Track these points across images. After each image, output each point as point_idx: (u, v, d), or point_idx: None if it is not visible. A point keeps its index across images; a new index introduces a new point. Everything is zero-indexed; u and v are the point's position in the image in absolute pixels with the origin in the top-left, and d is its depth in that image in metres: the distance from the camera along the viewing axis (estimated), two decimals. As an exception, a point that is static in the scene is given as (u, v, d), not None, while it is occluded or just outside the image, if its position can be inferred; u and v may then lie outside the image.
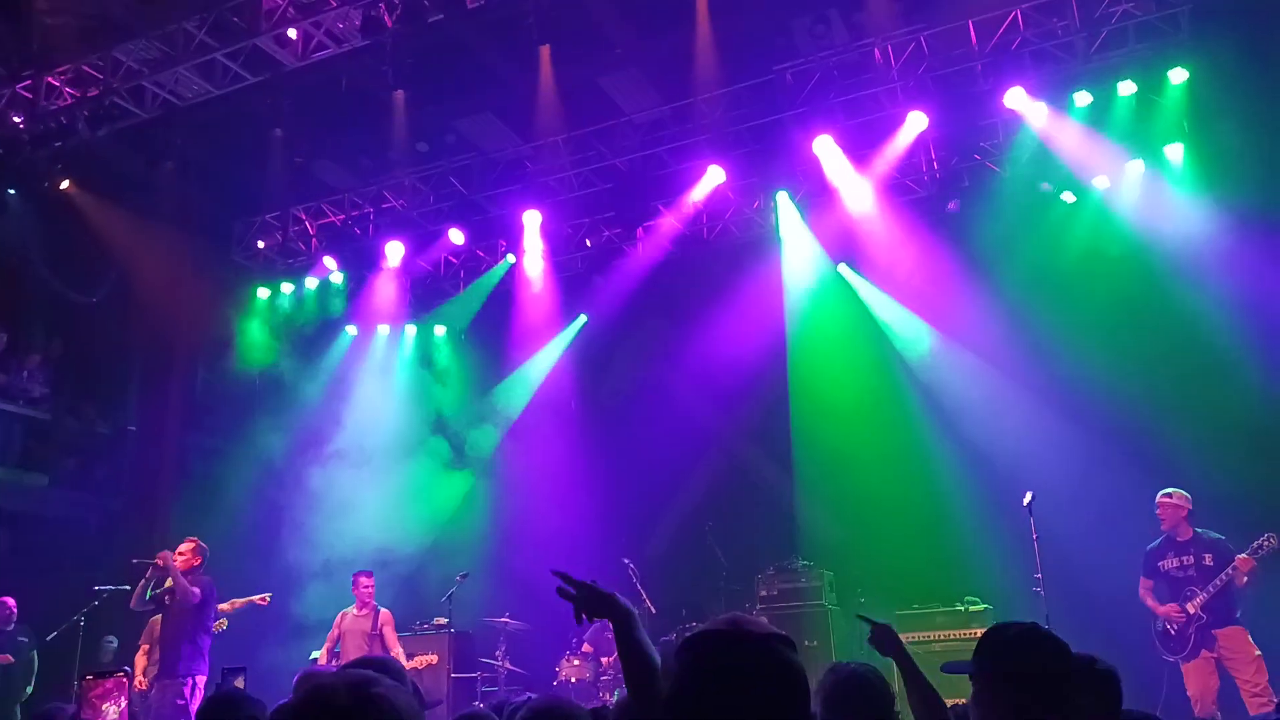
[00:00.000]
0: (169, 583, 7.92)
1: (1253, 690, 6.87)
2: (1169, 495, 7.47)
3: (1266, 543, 7.04)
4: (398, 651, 8.80)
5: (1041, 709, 2.26)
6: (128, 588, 8.78)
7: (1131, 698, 3.19)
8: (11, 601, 9.63)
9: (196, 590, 7.80)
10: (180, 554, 7.99)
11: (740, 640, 1.59)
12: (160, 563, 7.86)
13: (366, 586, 9.07)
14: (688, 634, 1.69)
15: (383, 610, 9.03)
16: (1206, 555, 7.27)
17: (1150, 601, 7.46)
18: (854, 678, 3.18)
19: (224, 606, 8.31)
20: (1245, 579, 7.11)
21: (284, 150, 11.34)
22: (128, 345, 12.83)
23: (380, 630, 8.87)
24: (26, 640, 9.62)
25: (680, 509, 10.51)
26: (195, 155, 11.52)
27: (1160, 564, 7.45)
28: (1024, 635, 2.40)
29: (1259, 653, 7.00)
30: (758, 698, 1.52)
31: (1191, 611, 7.22)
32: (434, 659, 9.24)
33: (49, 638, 9.22)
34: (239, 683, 5.07)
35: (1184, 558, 7.35)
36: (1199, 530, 7.38)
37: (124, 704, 3.05)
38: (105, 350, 12.81)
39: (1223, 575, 7.13)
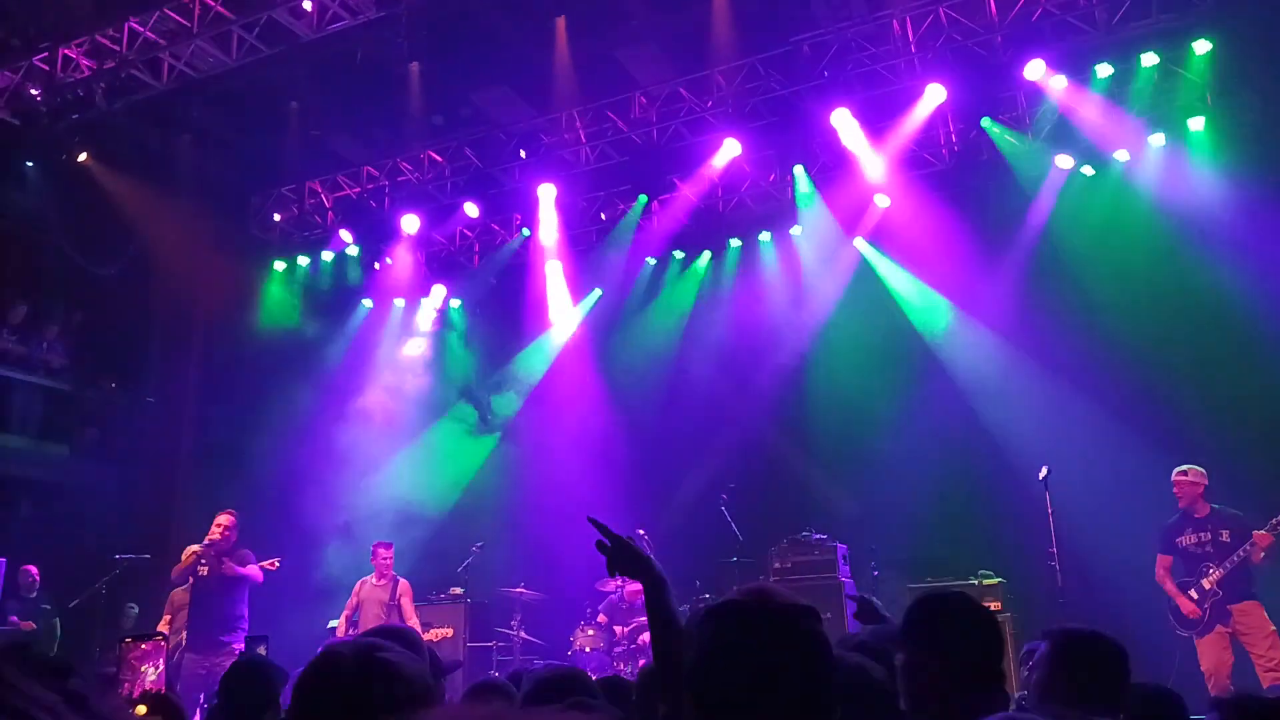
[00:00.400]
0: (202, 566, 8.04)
1: (1267, 665, 6.88)
2: (1184, 472, 7.46)
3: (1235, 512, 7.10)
4: (414, 622, 8.89)
5: (969, 679, 2.28)
6: (148, 556, 8.91)
7: (1144, 671, 3.20)
8: (34, 569, 9.77)
9: (257, 570, 8.03)
10: (220, 526, 8.10)
11: (765, 611, 1.57)
12: (213, 553, 8.00)
13: (385, 558, 9.16)
14: (712, 603, 1.68)
15: (401, 580, 9.12)
16: (1224, 531, 7.27)
17: (1170, 585, 7.46)
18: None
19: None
20: (1262, 554, 7.11)
21: (300, 123, 11.35)
22: (146, 317, 12.93)
23: (398, 600, 8.97)
24: (49, 608, 9.77)
25: (695, 481, 10.54)
26: (212, 128, 11.55)
27: (1178, 540, 7.45)
28: (950, 603, 2.46)
29: (1274, 628, 7.01)
30: (781, 669, 1.51)
31: (1207, 587, 7.22)
32: (449, 632, 9.33)
33: (71, 605, 9.36)
34: (261, 650, 5.13)
35: (1201, 534, 7.35)
36: (1216, 506, 7.38)
37: (162, 666, 3.10)
38: (124, 322, 12.90)
39: (1240, 551, 7.13)
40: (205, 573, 8.07)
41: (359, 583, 9.20)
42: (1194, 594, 7.33)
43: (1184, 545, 7.43)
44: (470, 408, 12.33)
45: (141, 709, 2.70)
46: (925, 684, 2.33)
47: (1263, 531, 7.09)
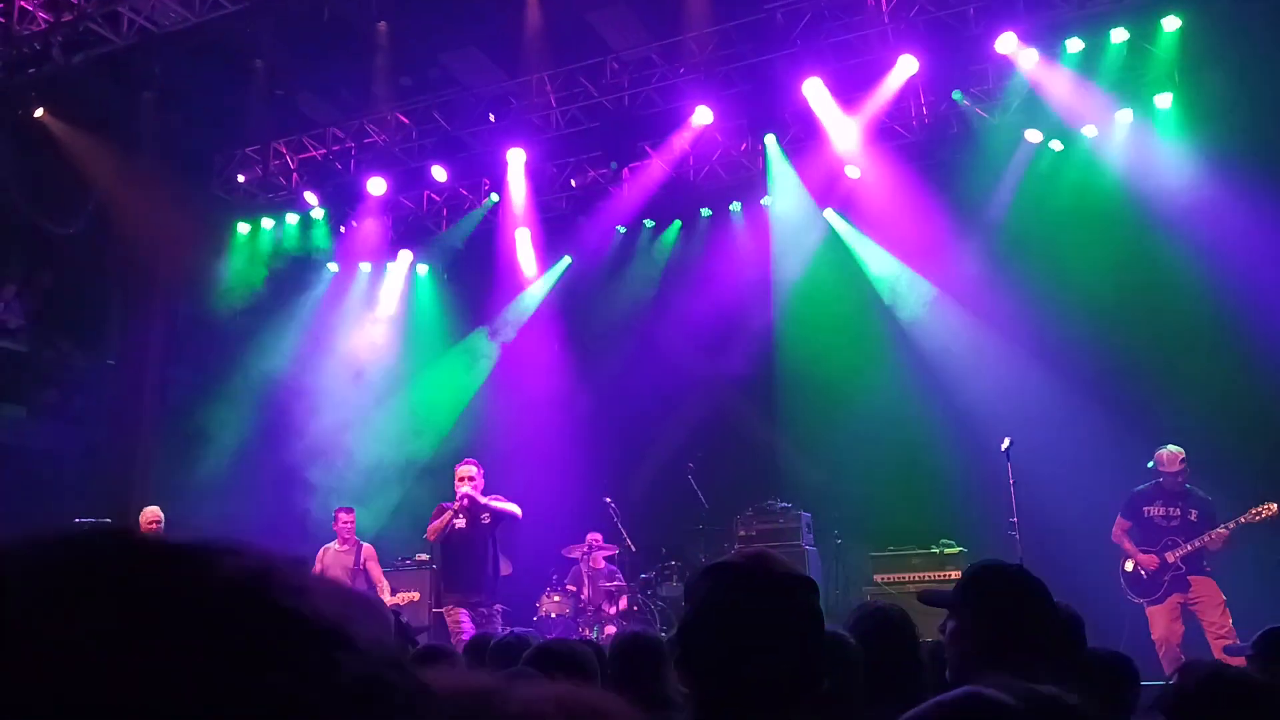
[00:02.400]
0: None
1: (1218, 633, 7.07)
2: (1176, 452, 7.56)
3: (1265, 510, 7.19)
4: (383, 585, 8.87)
5: (1013, 644, 2.31)
6: (109, 520, 8.79)
7: (1099, 639, 3.27)
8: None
9: (516, 507, 7.88)
10: (469, 479, 7.93)
11: (765, 576, 1.57)
12: (466, 503, 7.83)
13: (346, 523, 9.06)
14: (711, 561, 1.68)
15: (365, 545, 9.07)
16: (1194, 511, 7.44)
17: (1128, 544, 7.61)
18: (877, 613, 3.23)
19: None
20: (1221, 545, 7.31)
21: (265, 82, 11.12)
22: (107, 277, 12.69)
23: (364, 565, 8.92)
24: None
25: (662, 450, 10.58)
26: (174, 85, 11.28)
27: (1146, 509, 7.57)
28: (1007, 573, 2.46)
29: (1225, 599, 7.20)
30: (773, 636, 1.52)
31: (1170, 560, 7.39)
32: (415, 596, 9.32)
33: (30, 569, 9.23)
34: None
35: (1172, 509, 7.48)
36: (1190, 486, 7.53)
37: None
38: (84, 282, 12.66)
39: (1208, 536, 7.30)
40: (463, 524, 7.92)
41: (321, 550, 9.11)
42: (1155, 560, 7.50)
43: (1151, 515, 7.55)
44: (431, 376, 12.29)
45: None
46: (971, 651, 2.35)
47: (1221, 529, 7.29)
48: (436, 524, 7.97)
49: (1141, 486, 7.68)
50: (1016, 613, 2.32)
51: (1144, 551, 7.53)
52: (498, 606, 7.91)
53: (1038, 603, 2.38)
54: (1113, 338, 9.16)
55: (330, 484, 10.84)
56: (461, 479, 7.93)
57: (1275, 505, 7.17)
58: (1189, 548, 7.36)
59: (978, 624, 2.34)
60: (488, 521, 7.90)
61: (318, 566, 9.02)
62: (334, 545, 9.07)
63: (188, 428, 11.18)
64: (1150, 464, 7.65)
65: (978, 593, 2.42)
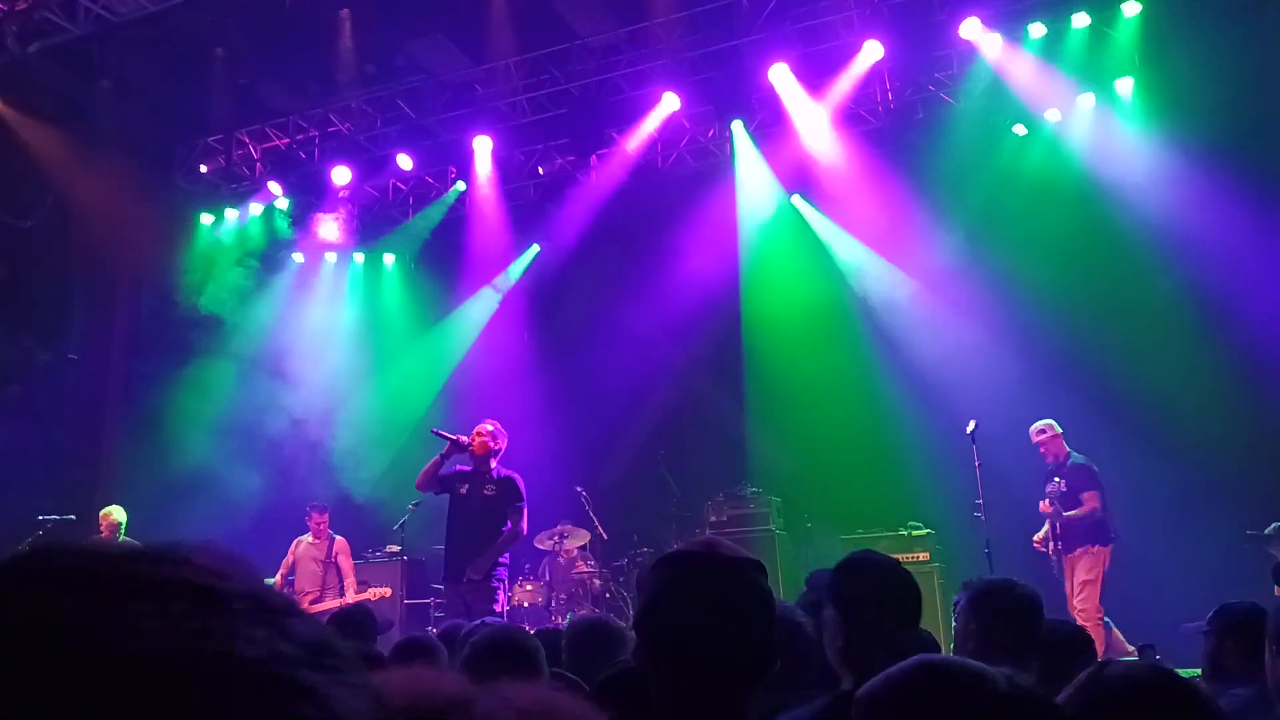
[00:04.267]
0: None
1: (1077, 607, 7.37)
2: (1042, 430, 7.92)
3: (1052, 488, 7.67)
4: (351, 580, 8.83)
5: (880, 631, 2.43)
6: (73, 517, 8.69)
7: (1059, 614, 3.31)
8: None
9: (518, 479, 7.24)
10: (480, 434, 7.28)
11: (714, 560, 1.63)
12: (463, 441, 7.20)
13: (319, 523, 9.02)
14: (664, 551, 1.73)
15: (338, 539, 9.01)
16: (1064, 481, 7.72)
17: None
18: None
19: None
20: (1067, 515, 7.64)
21: (227, 71, 10.98)
22: (67, 271, 12.48)
23: (335, 559, 8.88)
24: None
25: (633, 437, 10.60)
26: (134, 75, 11.11)
27: (1047, 487, 7.84)
28: (867, 563, 2.70)
29: (1092, 578, 7.47)
30: (725, 616, 1.57)
31: (1037, 539, 7.89)
32: (387, 592, 9.25)
33: (-7, 567, 9.10)
34: None
35: (1058, 481, 7.76)
36: (1072, 453, 7.87)
37: None
38: (43, 275, 12.45)
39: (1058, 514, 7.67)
40: (465, 491, 7.27)
41: (295, 541, 9.08)
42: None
43: (1048, 491, 7.81)
44: (395, 369, 12.20)
45: None
46: (843, 640, 2.46)
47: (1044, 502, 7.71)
48: (428, 465, 7.43)
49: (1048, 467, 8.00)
50: (881, 600, 2.47)
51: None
52: (496, 584, 7.21)
53: (899, 587, 2.55)
54: (1075, 321, 9.27)
55: (298, 475, 10.76)
56: (479, 434, 7.34)
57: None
58: (1055, 522, 7.71)
59: (846, 615, 2.49)
60: (491, 494, 7.26)
61: (289, 558, 8.98)
62: (307, 538, 9.03)
63: (152, 422, 11.05)
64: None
65: (843, 583, 2.59)
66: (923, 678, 1.13)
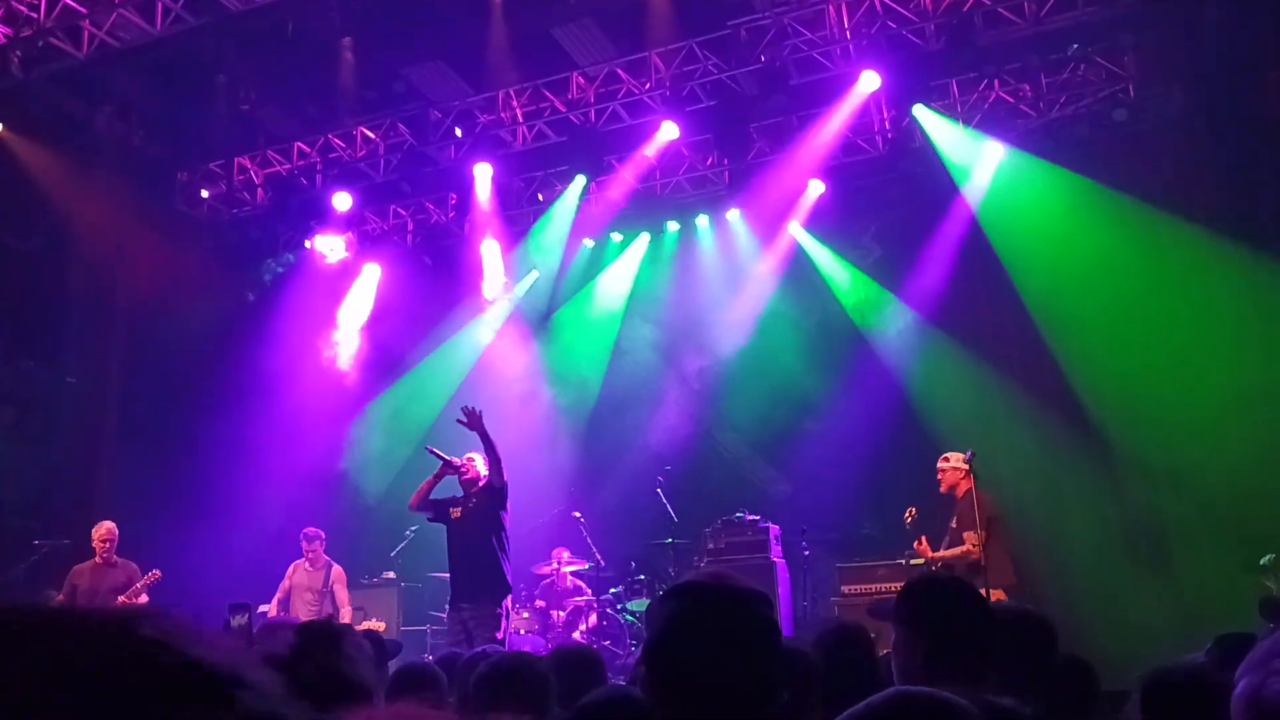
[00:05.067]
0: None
1: None
2: (946, 458, 7.56)
3: (906, 517, 7.41)
4: (346, 610, 8.73)
5: (954, 650, 2.35)
6: (68, 541, 8.66)
7: (1067, 646, 3.31)
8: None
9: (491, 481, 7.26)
10: (471, 460, 7.48)
11: (721, 592, 1.65)
12: (456, 464, 7.34)
13: (312, 550, 8.95)
14: (672, 584, 1.74)
15: (335, 567, 8.96)
16: (955, 518, 7.41)
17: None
18: (839, 629, 3.28)
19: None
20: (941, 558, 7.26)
21: (228, 97, 11.05)
22: (66, 294, 12.50)
23: (330, 587, 8.81)
24: None
25: (631, 463, 10.59)
26: (136, 100, 11.19)
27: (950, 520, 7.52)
28: (940, 583, 2.56)
29: None
30: (732, 647, 1.58)
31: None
32: (381, 626, 9.13)
33: (-12, 590, 9.08)
34: (240, 621, 4.89)
35: (951, 518, 7.45)
36: (976, 490, 7.21)
37: None
38: (42, 299, 12.47)
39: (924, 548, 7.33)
40: (458, 515, 7.38)
41: (292, 566, 9.04)
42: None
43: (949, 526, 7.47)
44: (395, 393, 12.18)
45: None
46: (910, 663, 2.39)
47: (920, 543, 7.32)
48: (421, 486, 7.56)
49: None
50: (953, 623, 2.37)
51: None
52: (500, 610, 7.28)
53: (975, 612, 2.42)
54: (1072, 349, 9.29)
55: (297, 499, 10.73)
56: (470, 458, 7.51)
57: (913, 509, 7.41)
58: (936, 562, 7.29)
59: (917, 635, 2.39)
60: (475, 504, 7.39)
61: (286, 582, 8.92)
62: (304, 564, 8.99)
63: (150, 446, 11.03)
64: None
65: (915, 604, 2.48)
66: (897, 707, 1.15)
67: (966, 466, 7.23)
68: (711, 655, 1.56)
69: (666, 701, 1.58)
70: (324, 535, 9.11)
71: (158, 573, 8.24)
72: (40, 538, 8.86)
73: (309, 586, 8.81)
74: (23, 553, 8.93)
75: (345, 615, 8.70)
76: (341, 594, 8.86)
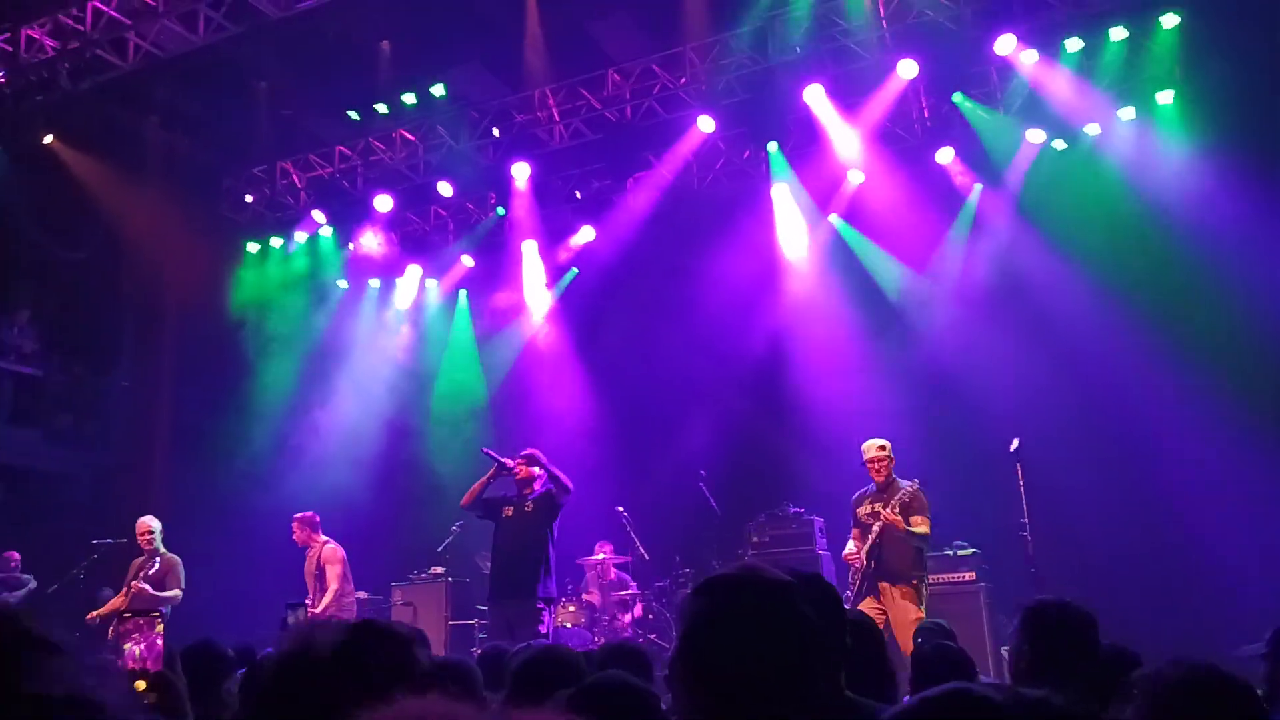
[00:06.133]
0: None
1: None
2: (883, 447, 7.24)
3: (908, 487, 6.95)
4: (333, 588, 8.34)
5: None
6: (124, 541, 8.86)
7: (1115, 636, 3.28)
8: (15, 555, 9.76)
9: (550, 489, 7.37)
10: (522, 463, 7.54)
11: (752, 585, 1.63)
12: (509, 465, 7.46)
13: (296, 533, 8.65)
14: (703, 578, 1.73)
15: (327, 546, 8.56)
16: (895, 502, 7.02)
17: (847, 549, 7.27)
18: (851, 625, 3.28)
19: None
20: (885, 531, 6.93)
21: (270, 102, 11.22)
22: (117, 301, 12.80)
23: (321, 567, 8.48)
24: (28, 575, 9.79)
25: (673, 457, 10.59)
26: (180, 108, 11.41)
27: (858, 510, 7.25)
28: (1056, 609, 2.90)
29: (919, 617, 6.56)
30: (766, 640, 1.56)
31: (862, 561, 7.03)
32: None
33: (50, 590, 9.33)
34: (296, 616, 4.98)
35: (876, 504, 7.12)
36: (897, 478, 7.15)
37: (158, 644, 3.06)
38: (95, 306, 12.78)
39: (876, 527, 6.95)
40: (510, 514, 7.49)
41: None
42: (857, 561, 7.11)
43: (861, 515, 7.22)
44: (436, 391, 12.28)
45: (140, 684, 2.68)
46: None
47: (887, 511, 6.91)
48: (474, 486, 7.64)
49: (858, 491, 7.35)
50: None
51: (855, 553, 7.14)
52: (541, 605, 7.31)
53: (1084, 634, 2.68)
54: (1117, 336, 9.15)
55: (345, 498, 10.87)
56: (523, 461, 7.56)
57: (916, 480, 6.99)
58: (869, 539, 6.96)
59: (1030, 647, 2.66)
60: (530, 510, 7.45)
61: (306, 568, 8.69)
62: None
63: (201, 448, 11.24)
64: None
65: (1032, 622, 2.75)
66: (954, 704, 1.13)
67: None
68: (742, 650, 1.54)
69: (700, 697, 1.57)
70: (309, 516, 8.72)
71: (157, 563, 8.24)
72: (97, 538, 9.06)
73: (307, 571, 8.51)
74: (81, 553, 9.15)
75: (326, 596, 8.32)
76: (330, 574, 8.38)
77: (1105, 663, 2.97)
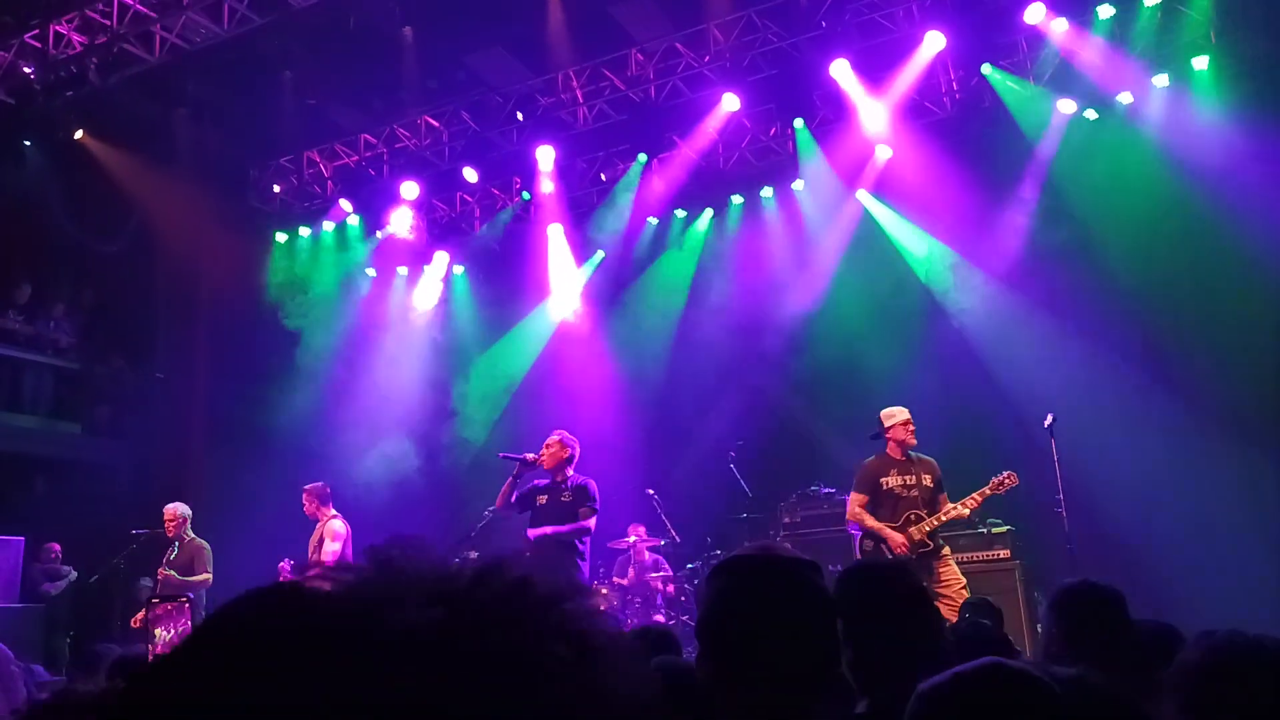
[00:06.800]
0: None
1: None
2: (902, 410, 7.08)
3: (1007, 479, 6.82)
4: (323, 556, 8.15)
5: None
6: (162, 531, 8.99)
7: (1149, 612, 3.23)
8: (57, 546, 9.95)
9: (591, 485, 7.41)
10: (549, 447, 7.51)
11: (770, 564, 1.63)
12: (530, 459, 7.48)
13: (305, 504, 8.58)
14: (721, 558, 1.72)
15: (330, 522, 8.48)
16: (926, 476, 6.91)
17: (872, 521, 6.85)
18: None
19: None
20: (968, 514, 6.88)
21: (295, 92, 11.27)
22: (151, 293, 12.94)
23: (322, 538, 8.41)
24: (69, 567, 9.96)
25: (703, 439, 10.57)
26: (207, 100, 11.48)
27: (883, 480, 6.95)
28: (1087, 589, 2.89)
29: (964, 579, 6.69)
30: (786, 620, 1.56)
31: (917, 537, 6.76)
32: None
33: (91, 580, 9.49)
34: None
35: (907, 476, 6.92)
36: (917, 452, 7.04)
37: (187, 627, 3.09)
38: (130, 298, 12.93)
39: (958, 507, 6.83)
40: (544, 502, 7.49)
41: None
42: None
43: (889, 486, 6.92)
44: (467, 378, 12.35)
45: None
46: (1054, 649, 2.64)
47: (973, 498, 6.82)
48: (503, 488, 7.61)
49: (870, 458, 7.08)
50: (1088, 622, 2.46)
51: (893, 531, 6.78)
52: None
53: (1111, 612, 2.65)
54: (1154, 309, 8.99)
55: (377, 485, 10.96)
56: (547, 446, 7.56)
57: (1015, 475, 6.81)
58: (939, 519, 6.77)
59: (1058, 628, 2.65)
60: (568, 501, 7.40)
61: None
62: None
63: (238, 436, 11.37)
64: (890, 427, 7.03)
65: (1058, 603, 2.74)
66: (988, 678, 1.12)
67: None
68: (761, 630, 1.55)
69: (721, 677, 1.57)
70: (319, 487, 8.63)
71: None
72: (137, 528, 9.20)
73: (310, 545, 8.41)
74: (122, 544, 9.30)
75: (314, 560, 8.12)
76: (327, 546, 8.29)
77: (1146, 641, 2.93)
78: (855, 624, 2.13)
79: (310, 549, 8.52)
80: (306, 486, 8.67)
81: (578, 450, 7.66)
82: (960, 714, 1.11)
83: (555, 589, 0.53)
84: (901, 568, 2.69)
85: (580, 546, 7.44)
